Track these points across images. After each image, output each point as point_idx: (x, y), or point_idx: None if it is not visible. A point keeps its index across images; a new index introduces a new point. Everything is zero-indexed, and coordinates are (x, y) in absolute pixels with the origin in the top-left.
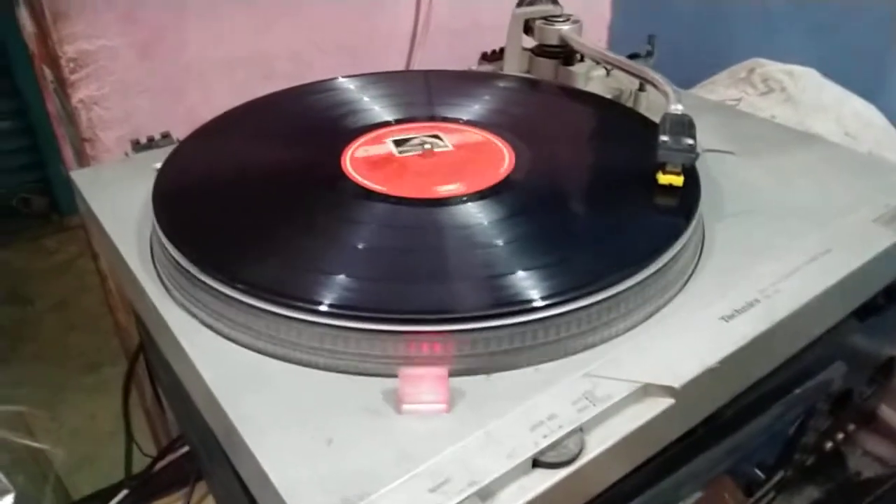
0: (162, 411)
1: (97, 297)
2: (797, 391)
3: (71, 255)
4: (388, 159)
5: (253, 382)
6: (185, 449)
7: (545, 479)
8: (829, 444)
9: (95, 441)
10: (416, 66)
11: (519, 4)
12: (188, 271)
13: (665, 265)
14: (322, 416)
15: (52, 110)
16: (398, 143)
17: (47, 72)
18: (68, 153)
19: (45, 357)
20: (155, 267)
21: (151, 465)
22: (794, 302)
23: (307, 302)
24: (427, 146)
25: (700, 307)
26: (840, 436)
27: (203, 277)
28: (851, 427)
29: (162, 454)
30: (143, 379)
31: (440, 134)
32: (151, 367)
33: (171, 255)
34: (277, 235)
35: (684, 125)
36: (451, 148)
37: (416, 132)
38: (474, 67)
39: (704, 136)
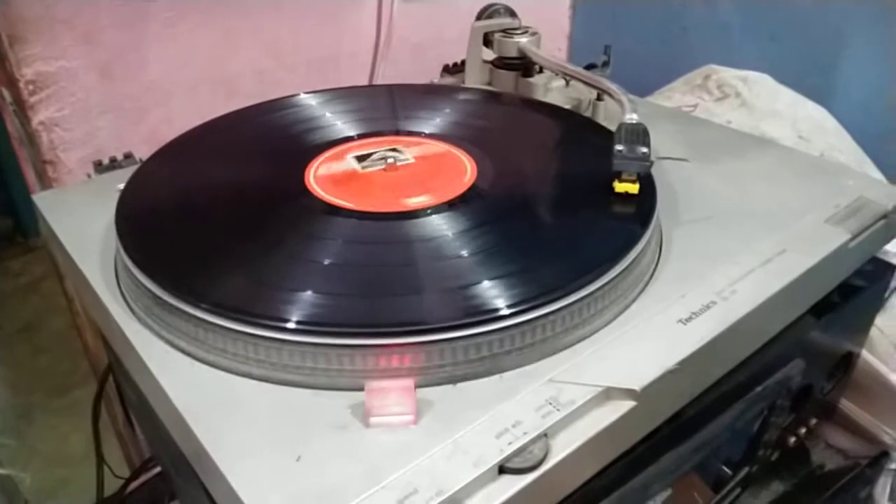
0: (133, 433)
1: (65, 318)
2: (758, 389)
3: (36, 276)
4: (352, 175)
5: (221, 402)
6: (158, 469)
7: (511, 485)
8: (792, 439)
9: (68, 464)
10: (379, 80)
11: (478, 18)
12: (152, 292)
13: (623, 271)
14: (290, 433)
15: (12, 132)
16: (360, 158)
17: (6, 93)
18: (30, 175)
19: (14, 381)
20: (120, 289)
21: (124, 487)
22: (749, 303)
23: (272, 319)
24: (390, 160)
25: (658, 311)
26: (803, 430)
27: (168, 298)
28: (813, 421)
29: (134, 475)
30: (113, 401)
31: (400, 147)
32: (120, 388)
33: (135, 276)
34: (242, 254)
35: (639, 134)
36: (412, 161)
37: (378, 147)
38: (436, 80)
39: (661, 144)
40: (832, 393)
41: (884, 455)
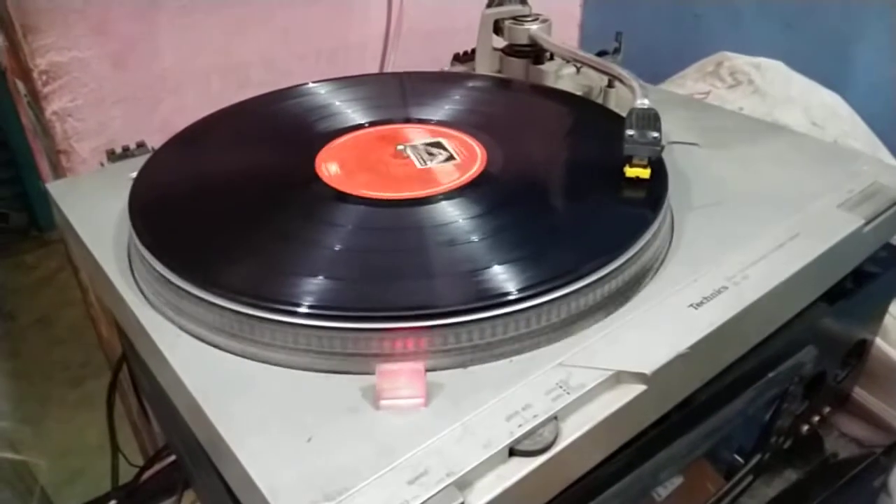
0: (148, 422)
1: (79, 311)
2: (769, 375)
3: (51, 269)
4: (361, 164)
5: (234, 385)
6: (172, 458)
7: (521, 467)
8: (805, 428)
9: (82, 455)
10: (390, 69)
11: (489, 5)
12: (166, 278)
13: (634, 256)
14: (302, 416)
15: (26, 123)
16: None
17: (20, 85)
18: (44, 166)
19: (30, 372)
20: (133, 275)
21: (139, 475)
22: (761, 288)
23: (285, 303)
24: (429, 155)
25: (670, 296)
26: (816, 419)
27: (180, 283)
28: (827, 410)
29: (149, 463)
30: (127, 391)
31: (458, 157)
32: (135, 377)
33: (148, 261)
34: (253, 239)
35: (650, 119)
36: (438, 164)
37: (392, 132)
38: (447, 69)
39: (673, 130)
40: (846, 381)
41: None
